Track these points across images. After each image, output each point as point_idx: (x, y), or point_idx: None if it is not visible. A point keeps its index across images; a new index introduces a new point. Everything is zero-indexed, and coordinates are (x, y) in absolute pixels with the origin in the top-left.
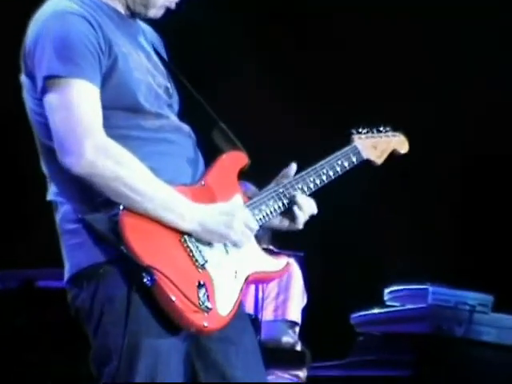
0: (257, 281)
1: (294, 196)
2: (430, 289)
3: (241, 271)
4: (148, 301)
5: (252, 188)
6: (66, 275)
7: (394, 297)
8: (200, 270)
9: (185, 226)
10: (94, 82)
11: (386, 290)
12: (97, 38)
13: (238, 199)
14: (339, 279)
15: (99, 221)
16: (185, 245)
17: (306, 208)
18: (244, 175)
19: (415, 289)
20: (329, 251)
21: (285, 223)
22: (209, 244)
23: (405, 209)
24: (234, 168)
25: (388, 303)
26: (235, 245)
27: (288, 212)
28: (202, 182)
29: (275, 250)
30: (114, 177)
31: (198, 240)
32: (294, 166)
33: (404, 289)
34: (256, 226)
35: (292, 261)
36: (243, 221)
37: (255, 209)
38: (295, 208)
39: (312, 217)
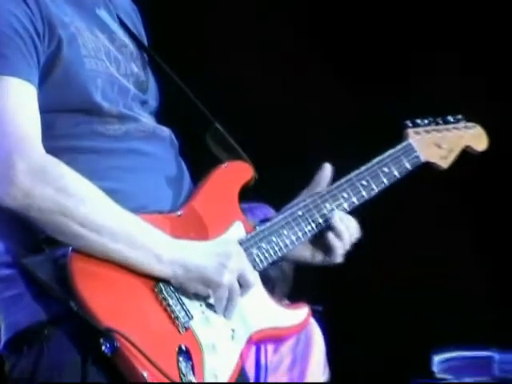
0: (265, 340)
1: (323, 219)
2: (496, 356)
3: (241, 329)
4: (108, 372)
5: (272, 212)
6: (2, 339)
7: (447, 367)
8: (182, 330)
9: (161, 269)
10: (28, 79)
11: (435, 358)
12: (31, 17)
13: (236, 230)
14: (368, 342)
15: (41, 265)
16: (160, 296)
17: (345, 234)
18: (258, 194)
19: (476, 357)
20: (350, 302)
21: (318, 256)
22: (194, 294)
23: (462, 242)
24: (233, 185)
25: (438, 375)
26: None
27: (320, 240)
28: (188, 208)
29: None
30: (57, 209)
31: (179, 289)
32: (327, 169)
33: (460, 356)
34: (253, 279)
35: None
36: (235, 270)
37: (262, 241)
38: (329, 235)
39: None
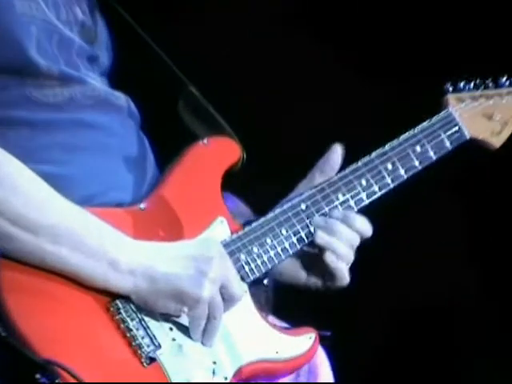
0: (257, 376)
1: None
2: None
3: (225, 360)
4: None
5: (241, 207)
6: None
7: None
8: (146, 362)
9: (118, 281)
10: None
11: None
12: None
13: (218, 228)
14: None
15: None
16: (117, 317)
17: (353, 239)
18: (240, 182)
19: None
20: (365, 325)
21: (314, 280)
22: (162, 314)
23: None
24: (214, 169)
25: None
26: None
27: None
28: (154, 200)
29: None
30: None
31: (142, 307)
32: (338, 151)
33: None
34: (240, 292)
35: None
36: (217, 280)
37: (252, 244)
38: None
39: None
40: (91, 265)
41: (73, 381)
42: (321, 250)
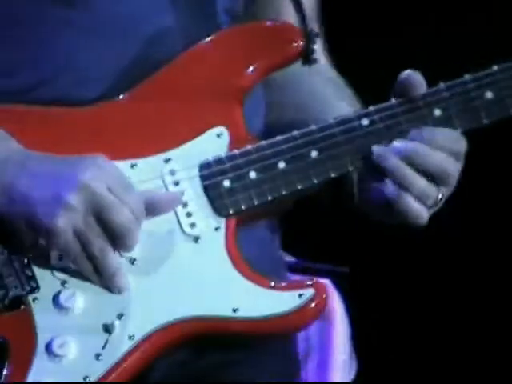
0: (202, 335)
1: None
2: None
3: (137, 316)
4: None
5: None
6: None
7: None
8: (6, 311)
9: None
10: None
11: None
12: None
13: (210, 141)
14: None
15: None
16: None
17: (436, 167)
18: None
19: None
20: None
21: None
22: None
23: None
24: (248, 59)
25: None
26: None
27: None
28: (135, 92)
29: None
30: None
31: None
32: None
33: None
34: (127, 221)
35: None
36: (84, 205)
37: (249, 168)
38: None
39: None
40: None
41: None
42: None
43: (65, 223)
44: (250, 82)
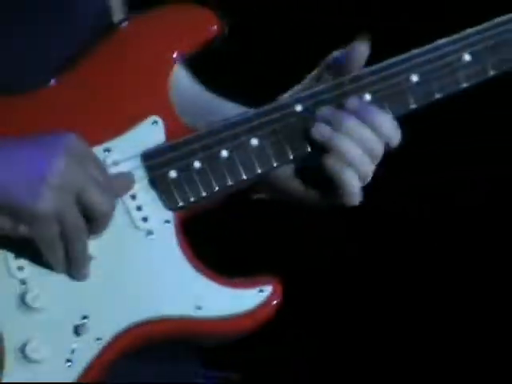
0: (168, 337)
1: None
2: None
3: (103, 317)
4: None
5: None
6: None
7: None
8: None
9: None
10: None
11: None
12: None
13: (146, 132)
14: None
15: None
16: None
17: (371, 141)
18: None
19: None
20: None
21: (313, 194)
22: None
23: None
24: (168, 46)
25: None
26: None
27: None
28: (63, 79)
29: None
30: None
31: None
32: (363, 47)
33: None
34: (107, 204)
35: None
36: (67, 185)
37: (193, 158)
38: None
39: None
40: None
41: None
42: (322, 152)
43: (48, 204)
44: (173, 69)
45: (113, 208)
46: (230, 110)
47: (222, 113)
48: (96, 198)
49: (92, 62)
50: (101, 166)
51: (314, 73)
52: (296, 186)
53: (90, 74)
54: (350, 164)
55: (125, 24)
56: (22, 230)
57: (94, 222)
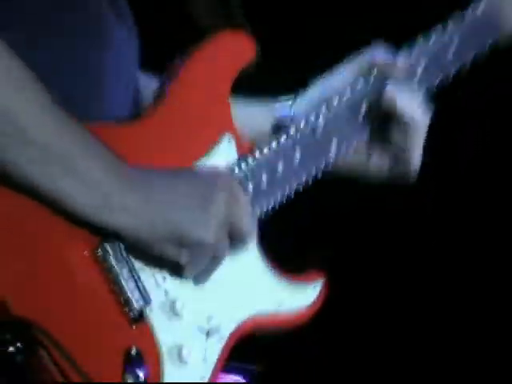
0: (259, 330)
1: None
2: None
3: (221, 316)
4: None
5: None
6: None
7: None
8: (134, 323)
9: (112, 221)
10: None
11: None
12: None
13: (225, 149)
14: None
15: None
16: (104, 264)
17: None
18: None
19: None
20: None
21: (376, 164)
22: (154, 261)
23: None
24: (223, 73)
25: None
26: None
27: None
28: (153, 113)
29: None
30: None
31: (133, 253)
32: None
33: None
34: (251, 232)
35: None
36: (228, 219)
37: (267, 166)
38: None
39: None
40: (82, 197)
41: (48, 343)
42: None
43: (214, 236)
44: (228, 89)
45: (254, 228)
46: (256, 107)
47: (253, 114)
48: (246, 226)
49: (170, 99)
50: (246, 194)
51: None
52: (361, 158)
53: (171, 109)
54: (416, 128)
55: (187, 60)
56: (184, 255)
57: (239, 242)
